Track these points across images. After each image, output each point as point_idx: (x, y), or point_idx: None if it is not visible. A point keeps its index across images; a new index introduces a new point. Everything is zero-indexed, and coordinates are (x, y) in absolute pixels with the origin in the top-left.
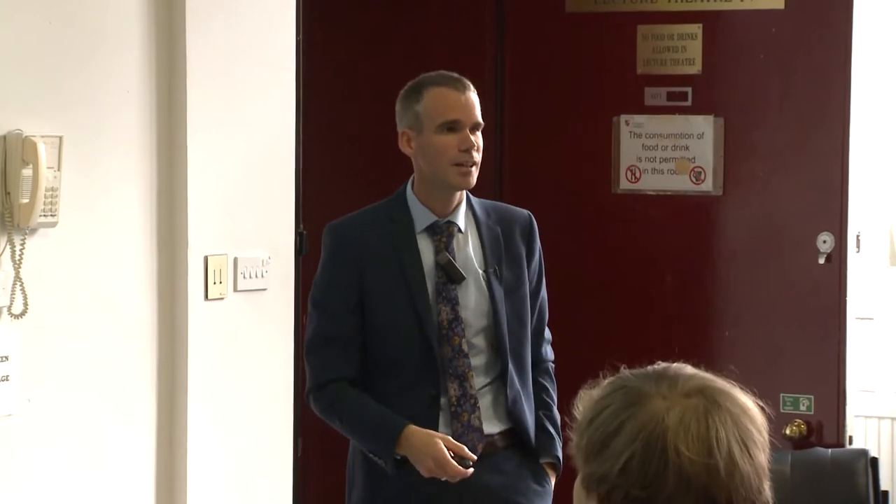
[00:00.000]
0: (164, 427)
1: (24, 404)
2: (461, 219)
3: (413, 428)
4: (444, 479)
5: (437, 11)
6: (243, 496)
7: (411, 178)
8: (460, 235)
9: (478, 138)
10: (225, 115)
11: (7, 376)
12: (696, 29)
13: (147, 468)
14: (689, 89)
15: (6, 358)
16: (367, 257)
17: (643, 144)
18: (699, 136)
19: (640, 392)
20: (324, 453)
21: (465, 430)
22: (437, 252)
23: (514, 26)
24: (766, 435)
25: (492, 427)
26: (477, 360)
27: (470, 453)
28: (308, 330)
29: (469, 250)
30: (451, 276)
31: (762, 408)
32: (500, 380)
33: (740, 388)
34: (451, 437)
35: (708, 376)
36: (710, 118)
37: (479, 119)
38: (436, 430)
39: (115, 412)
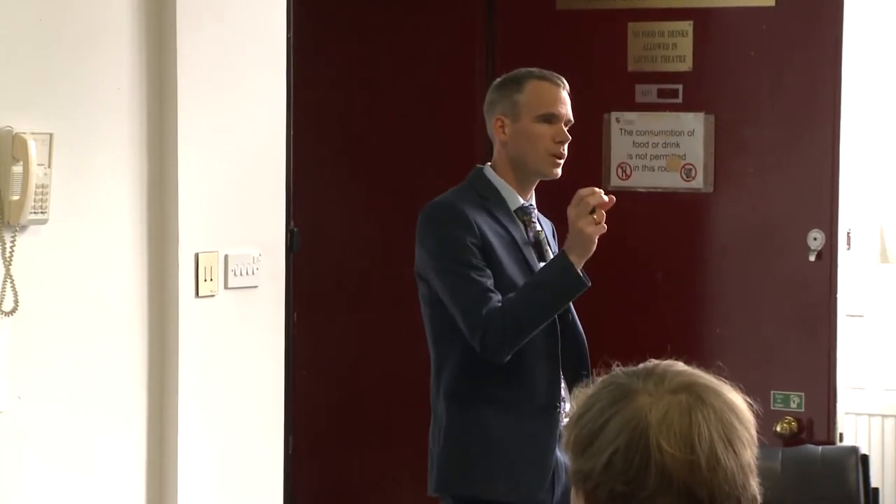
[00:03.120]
0: (154, 424)
1: (14, 401)
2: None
3: (563, 250)
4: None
5: (429, 9)
6: (234, 493)
7: (487, 165)
8: (538, 220)
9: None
10: (216, 113)
11: None
12: (687, 26)
13: (137, 465)
14: (679, 86)
15: None
16: (480, 226)
17: (634, 141)
18: (690, 133)
19: (628, 389)
20: (314, 451)
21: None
22: (526, 230)
23: (505, 23)
24: (753, 431)
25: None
26: None
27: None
28: (464, 294)
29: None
30: (541, 252)
31: (750, 404)
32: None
33: (730, 384)
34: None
35: (697, 373)
36: (701, 115)
37: (571, 116)
38: (559, 378)
39: (105, 409)
